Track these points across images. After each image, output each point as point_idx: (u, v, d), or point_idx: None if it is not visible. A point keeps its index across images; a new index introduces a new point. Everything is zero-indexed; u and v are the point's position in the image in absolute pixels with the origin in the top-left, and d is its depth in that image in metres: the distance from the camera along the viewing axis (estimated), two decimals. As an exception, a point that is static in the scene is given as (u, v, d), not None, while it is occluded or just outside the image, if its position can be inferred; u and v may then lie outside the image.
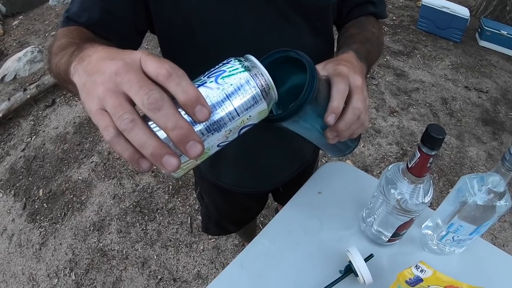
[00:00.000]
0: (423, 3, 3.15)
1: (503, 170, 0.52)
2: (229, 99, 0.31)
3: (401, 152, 2.14)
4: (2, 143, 2.36)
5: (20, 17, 3.80)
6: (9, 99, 2.50)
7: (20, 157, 2.25)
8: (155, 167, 0.31)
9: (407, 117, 2.39)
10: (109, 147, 2.19)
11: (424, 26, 3.27)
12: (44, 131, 2.39)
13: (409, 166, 0.55)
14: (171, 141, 0.29)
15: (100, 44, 0.38)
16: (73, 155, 2.21)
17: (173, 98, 0.29)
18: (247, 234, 1.51)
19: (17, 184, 2.10)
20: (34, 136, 2.36)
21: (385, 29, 3.26)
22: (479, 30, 3.20)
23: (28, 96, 2.52)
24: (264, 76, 0.33)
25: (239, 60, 0.34)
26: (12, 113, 2.50)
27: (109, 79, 0.30)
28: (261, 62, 0.36)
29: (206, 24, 0.59)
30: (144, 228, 1.81)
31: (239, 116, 0.32)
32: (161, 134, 0.29)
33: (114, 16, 0.57)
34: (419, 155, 0.52)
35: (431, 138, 0.49)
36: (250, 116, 0.33)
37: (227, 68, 0.33)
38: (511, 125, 2.40)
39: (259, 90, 0.33)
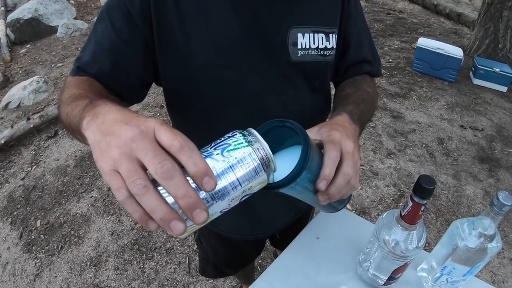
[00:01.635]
0: (418, 45, 3.26)
1: (492, 214, 0.56)
2: (233, 171, 0.34)
3: (398, 193, 2.15)
4: (2, 170, 2.36)
5: (28, 45, 3.89)
6: (12, 126, 2.53)
7: (19, 186, 2.25)
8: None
9: (404, 158, 2.42)
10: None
11: (420, 68, 3.36)
12: (45, 161, 2.40)
13: (402, 214, 0.58)
14: (179, 208, 0.31)
15: (113, 102, 0.41)
16: (72, 188, 2.21)
17: (181, 167, 0.31)
18: (245, 276, 1.51)
19: (15, 213, 2.10)
20: (35, 166, 2.37)
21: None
22: (473, 69, 3.30)
23: (31, 126, 2.54)
24: (265, 150, 0.37)
25: (243, 135, 0.37)
26: (14, 141, 2.52)
27: (124, 144, 0.32)
28: (261, 128, 0.39)
29: (212, 82, 0.63)
30: (142, 266, 1.79)
31: (241, 186, 0.35)
32: (169, 199, 0.31)
33: (123, 70, 0.60)
34: (411, 204, 0.55)
35: (422, 189, 0.53)
36: (251, 186, 0.36)
37: (232, 142, 0.36)
38: (507, 161, 2.44)
39: (260, 164, 0.36)
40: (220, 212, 0.36)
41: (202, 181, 0.31)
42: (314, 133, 0.52)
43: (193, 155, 0.31)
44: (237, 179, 0.34)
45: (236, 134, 0.37)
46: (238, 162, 0.35)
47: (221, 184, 0.34)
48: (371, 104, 0.73)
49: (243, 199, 0.37)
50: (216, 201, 0.34)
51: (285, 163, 0.45)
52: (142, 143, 0.32)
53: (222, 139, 0.37)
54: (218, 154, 0.35)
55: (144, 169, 0.32)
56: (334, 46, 0.67)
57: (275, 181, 0.44)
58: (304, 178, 0.44)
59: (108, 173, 0.32)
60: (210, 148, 0.36)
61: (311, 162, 0.44)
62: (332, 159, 0.48)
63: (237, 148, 0.35)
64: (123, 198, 0.31)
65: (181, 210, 0.31)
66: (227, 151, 0.35)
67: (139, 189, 0.30)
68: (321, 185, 0.47)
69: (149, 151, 0.31)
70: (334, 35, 0.67)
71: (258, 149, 0.36)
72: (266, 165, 0.36)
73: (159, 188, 0.32)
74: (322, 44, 0.65)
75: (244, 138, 0.37)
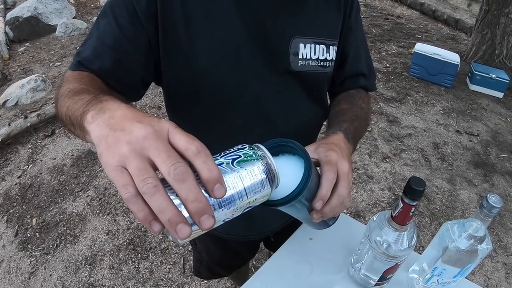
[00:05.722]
0: (415, 50, 3.29)
1: (482, 216, 0.57)
2: (241, 181, 0.36)
3: (393, 197, 2.17)
4: (-2, 168, 2.36)
5: (27, 44, 3.88)
6: (9, 124, 2.52)
7: (16, 184, 2.25)
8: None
9: (399, 162, 2.44)
10: (106, 183, 2.21)
11: (416, 73, 3.38)
12: (41, 160, 2.40)
13: (393, 215, 0.59)
14: (188, 212, 0.31)
15: (120, 99, 0.41)
16: (69, 188, 2.21)
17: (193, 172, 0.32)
18: (239, 278, 1.51)
19: (11, 211, 2.09)
20: (31, 165, 2.37)
21: (378, 76, 3.36)
22: (470, 74, 3.33)
23: (29, 124, 2.54)
24: (272, 165, 0.38)
25: (253, 149, 0.39)
26: (11, 139, 2.51)
27: (136, 141, 0.31)
28: (266, 144, 0.41)
29: (214, 86, 0.63)
30: (137, 266, 1.80)
31: (247, 197, 0.36)
32: (176, 202, 0.31)
33: (125, 68, 0.59)
34: (401, 205, 0.56)
35: (412, 190, 0.54)
36: (255, 198, 0.38)
37: (242, 154, 0.38)
38: (502, 167, 2.46)
39: (267, 177, 0.38)
40: (223, 221, 0.36)
41: (214, 187, 0.31)
42: (311, 152, 0.54)
43: (208, 161, 0.32)
44: (244, 189, 0.36)
45: (246, 147, 0.39)
46: (247, 173, 0.36)
47: (229, 192, 0.34)
48: (365, 120, 0.74)
49: (245, 210, 0.38)
50: (222, 209, 0.35)
51: (285, 178, 0.46)
52: (155, 142, 0.31)
53: (232, 150, 0.39)
54: (228, 163, 0.36)
55: (154, 169, 0.31)
56: (334, 58, 0.68)
57: (274, 196, 0.45)
58: (303, 197, 0.46)
59: (114, 169, 0.31)
60: (220, 157, 0.37)
61: (311, 182, 0.46)
62: (329, 180, 0.50)
63: (247, 160, 0.37)
64: (129, 195, 0.30)
65: (187, 215, 0.31)
66: (237, 162, 0.36)
67: (149, 188, 0.29)
68: (317, 204, 0.49)
69: (162, 151, 0.31)
70: (334, 47, 0.68)
71: (266, 163, 0.38)
72: (271, 180, 0.38)
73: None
74: (323, 55, 0.66)
75: (254, 152, 0.38)
